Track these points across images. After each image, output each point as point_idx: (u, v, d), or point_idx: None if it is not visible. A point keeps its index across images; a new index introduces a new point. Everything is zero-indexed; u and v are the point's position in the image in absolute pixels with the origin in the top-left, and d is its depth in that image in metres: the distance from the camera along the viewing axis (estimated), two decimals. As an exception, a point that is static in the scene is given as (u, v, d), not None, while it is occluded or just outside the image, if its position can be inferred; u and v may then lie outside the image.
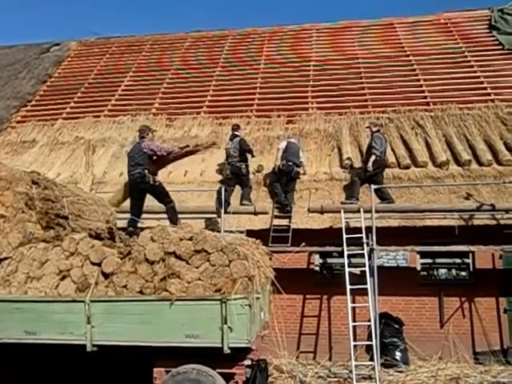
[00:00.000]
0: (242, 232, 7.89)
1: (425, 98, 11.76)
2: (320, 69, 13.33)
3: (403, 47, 13.68)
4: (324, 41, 14.67)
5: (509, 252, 8.44)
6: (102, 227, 6.64)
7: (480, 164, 9.68)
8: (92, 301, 5.43)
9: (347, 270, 7.96)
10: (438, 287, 9.15)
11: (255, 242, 6.50)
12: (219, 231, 7.97)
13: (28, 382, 6.46)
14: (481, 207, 8.62)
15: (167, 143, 11.36)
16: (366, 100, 12.01)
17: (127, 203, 8.49)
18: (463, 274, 9.27)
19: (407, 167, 9.87)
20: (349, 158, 10.14)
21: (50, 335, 5.52)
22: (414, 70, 12.72)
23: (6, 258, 5.89)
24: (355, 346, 7.70)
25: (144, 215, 7.99)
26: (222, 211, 8.79)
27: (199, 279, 5.33)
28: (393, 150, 10.28)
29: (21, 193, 6.18)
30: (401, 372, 7.85)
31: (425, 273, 9.36)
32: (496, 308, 8.89)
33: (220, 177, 10.18)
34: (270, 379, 7.14)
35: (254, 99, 12.62)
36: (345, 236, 8.20)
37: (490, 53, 12.84)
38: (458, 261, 9.24)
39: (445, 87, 11.89)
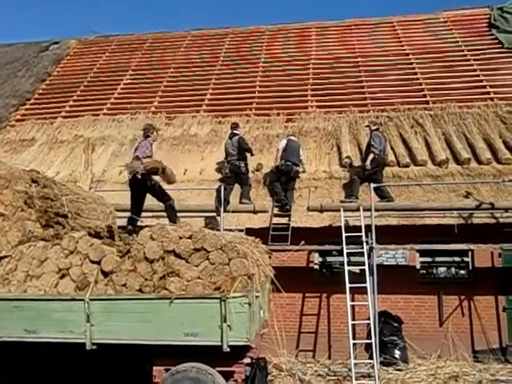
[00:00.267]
0: (241, 230, 7.91)
1: (424, 96, 11.76)
2: (319, 67, 13.32)
3: (402, 46, 13.68)
4: (323, 39, 14.65)
5: (508, 250, 8.46)
6: (102, 226, 6.63)
7: (479, 163, 9.68)
8: (91, 299, 5.43)
9: (346, 268, 7.97)
10: (437, 286, 9.16)
11: (255, 240, 6.50)
12: (219, 230, 7.97)
13: (28, 381, 6.46)
14: (480, 206, 8.63)
15: (166, 142, 11.38)
16: (365, 98, 12.01)
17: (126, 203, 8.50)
18: (462, 272, 9.29)
19: (407, 166, 9.88)
20: (348, 157, 10.14)
21: (49, 334, 5.53)
22: (414, 68, 12.72)
23: (5, 257, 5.89)
24: (354, 344, 7.71)
25: (143, 214, 7.99)
26: (222, 210, 8.79)
27: (199, 277, 5.33)
28: (392, 148, 10.28)
29: (20, 191, 6.18)
30: (400, 370, 7.87)
31: (424, 271, 9.36)
32: (495, 306, 8.91)
33: (219, 175, 10.18)
34: (269, 377, 7.15)
35: (253, 98, 12.61)
36: (344, 234, 8.20)
37: (489, 51, 12.84)
38: (458, 259, 9.25)
39: (444, 86, 11.90)
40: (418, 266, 9.32)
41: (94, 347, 5.44)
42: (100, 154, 11.37)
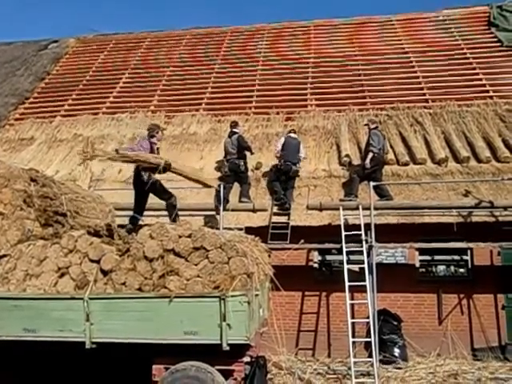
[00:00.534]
0: (240, 229, 7.90)
1: (423, 95, 11.76)
2: (319, 66, 13.31)
3: (402, 44, 13.67)
4: (323, 38, 14.65)
5: (507, 249, 8.45)
6: (101, 224, 6.63)
7: (479, 161, 9.69)
8: (91, 298, 5.42)
9: (346, 266, 7.97)
10: (436, 284, 9.16)
11: (254, 239, 6.50)
12: (218, 228, 7.97)
13: (28, 381, 6.46)
14: (479, 204, 8.63)
15: (166, 141, 11.36)
16: (364, 97, 12.01)
17: (125, 202, 8.49)
18: (462, 270, 9.29)
19: (406, 164, 9.88)
20: (347, 155, 10.14)
21: (48, 333, 5.52)
22: (413, 67, 12.72)
23: (4, 256, 5.88)
24: (354, 342, 7.71)
25: (146, 213, 7.98)
26: (221, 208, 8.79)
27: (198, 276, 5.33)
28: (392, 147, 10.28)
29: (19, 190, 6.18)
30: (399, 368, 7.88)
31: (423, 270, 9.37)
32: (494, 305, 8.91)
33: (219, 174, 10.17)
34: (268, 376, 7.15)
35: (252, 96, 12.61)
36: (343, 233, 8.21)
37: (488, 50, 12.84)
38: (457, 258, 9.26)
39: (443, 84, 11.89)
40: (418, 265, 9.32)
41: (94, 346, 5.44)
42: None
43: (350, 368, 7.41)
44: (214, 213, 9.15)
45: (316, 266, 9.60)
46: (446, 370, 7.62)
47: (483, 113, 10.76)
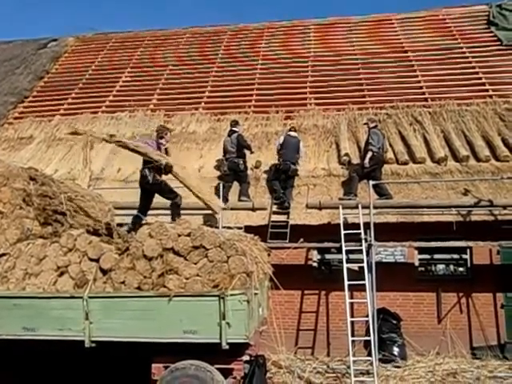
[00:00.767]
0: (240, 228, 7.89)
1: (423, 94, 11.75)
2: (318, 65, 13.30)
3: (401, 43, 13.66)
4: (322, 37, 14.63)
5: (506, 248, 8.47)
6: (100, 223, 6.63)
7: (478, 160, 9.69)
8: (90, 297, 5.43)
9: (345, 265, 7.97)
10: (435, 283, 9.17)
11: (253, 237, 6.51)
12: (217, 227, 7.97)
13: (28, 381, 6.46)
14: (479, 203, 8.63)
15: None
16: (364, 96, 12.00)
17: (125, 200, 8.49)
18: (461, 269, 9.30)
19: (405, 163, 9.88)
20: (347, 154, 10.14)
21: (48, 331, 5.54)
22: (412, 66, 12.71)
23: (3, 255, 5.89)
24: (353, 341, 7.71)
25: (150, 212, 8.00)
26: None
27: (197, 275, 5.33)
28: (391, 145, 10.28)
29: (18, 189, 6.18)
30: (398, 367, 7.88)
31: (423, 268, 9.37)
32: (493, 303, 8.92)
33: (218, 173, 10.17)
34: (268, 375, 7.16)
35: (252, 95, 12.60)
36: (343, 232, 8.21)
37: (488, 49, 12.83)
38: (456, 256, 9.26)
39: (443, 83, 11.88)
40: (417, 264, 9.33)
41: (93, 345, 5.45)
42: (98, 152, 11.33)
43: (349, 367, 7.41)
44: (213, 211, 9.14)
45: (315, 264, 9.61)
46: (445, 369, 7.63)
47: (482, 112, 10.76)
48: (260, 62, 13.80)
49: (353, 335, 7.90)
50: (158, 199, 7.96)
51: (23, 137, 12.27)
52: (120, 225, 7.35)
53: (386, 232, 8.39)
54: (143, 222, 7.56)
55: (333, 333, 9.19)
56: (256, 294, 5.62)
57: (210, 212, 9.17)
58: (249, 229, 8.02)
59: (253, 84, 12.98)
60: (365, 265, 7.93)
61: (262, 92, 12.68)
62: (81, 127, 12.25)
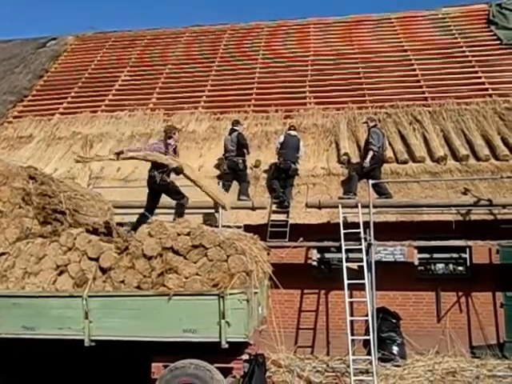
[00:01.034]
0: (239, 227, 7.89)
1: (423, 93, 11.75)
2: (318, 64, 13.29)
3: (401, 42, 13.66)
4: (322, 36, 14.62)
5: (506, 247, 8.46)
6: (100, 222, 6.63)
7: (477, 159, 9.68)
8: (90, 296, 5.43)
9: (345, 264, 7.97)
10: (435, 282, 9.17)
11: (253, 237, 6.50)
12: (217, 226, 7.96)
13: (28, 381, 6.46)
14: (478, 202, 8.63)
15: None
16: (363, 95, 11.99)
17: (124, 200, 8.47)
18: (460, 268, 9.30)
19: (405, 162, 9.88)
20: (346, 154, 10.14)
21: (47, 330, 5.53)
22: (412, 65, 12.70)
23: (3, 254, 5.89)
24: (353, 340, 7.71)
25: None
26: (220, 207, 8.78)
27: (197, 274, 5.33)
28: (391, 145, 10.27)
29: (18, 188, 6.17)
30: (398, 366, 7.89)
31: (422, 267, 9.37)
32: (493, 302, 8.93)
33: (218, 172, 10.16)
34: (267, 374, 7.16)
35: (251, 94, 12.59)
36: (342, 231, 8.21)
37: (487, 48, 12.82)
38: (456, 256, 9.26)
39: (443, 82, 11.88)
40: (416, 263, 9.32)
41: (93, 344, 5.45)
42: (98, 151, 11.34)
43: (348, 366, 7.42)
44: (212, 211, 9.14)
45: (315, 263, 9.61)
46: (444, 368, 7.63)
47: (482, 111, 10.76)
48: (260, 61, 13.79)
49: (352, 334, 7.91)
50: (163, 198, 7.93)
51: (23, 136, 12.26)
52: (120, 224, 7.35)
53: (386, 231, 8.39)
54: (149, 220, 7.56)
55: (332, 332, 9.19)
56: (255, 293, 5.62)
57: (210, 211, 9.18)
58: (248, 228, 8.02)
59: (252, 83, 12.97)
60: (364, 264, 7.93)
61: (262, 91, 12.68)
62: (80, 127, 12.28)
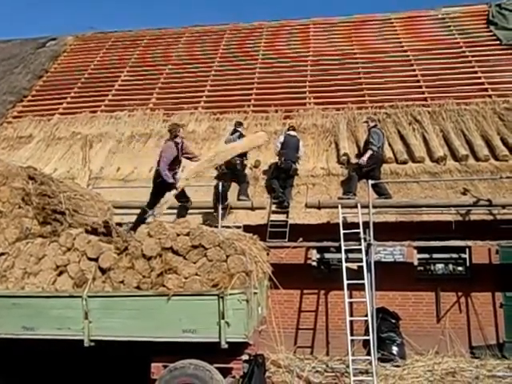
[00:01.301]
0: (239, 227, 7.90)
1: (422, 93, 11.75)
2: (317, 64, 13.29)
3: (401, 42, 13.66)
4: (322, 36, 14.62)
5: (505, 247, 8.47)
6: (99, 222, 6.63)
7: (477, 159, 9.69)
8: (89, 296, 5.44)
9: (344, 265, 7.97)
10: (434, 282, 9.17)
11: (252, 237, 6.50)
12: (216, 226, 7.96)
13: (27, 381, 6.46)
14: (478, 202, 8.63)
15: (164, 138, 11.34)
16: (363, 95, 11.99)
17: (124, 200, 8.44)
18: (460, 268, 9.30)
19: (404, 162, 9.88)
20: (346, 154, 10.14)
21: (47, 331, 5.54)
22: (412, 65, 12.70)
23: (2, 254, 5.89)
24: (352, 340, 7.71)
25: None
26: (220, 206, 8.78)
27: (196, 274, 5.34)
28: (390, 145, 10.28)
29: (17, 188, 6.17)
30: (397, 366, 7.89)
31: (422, 268, 9.37)
32: (492, 303, 8.93)
33: (216, 172, 10.14)
34: (267, 374, 7.16)
35: (251, 94, 12.59)
36: (342, 231, 8.21)
37: (487, 48, 12.82)
38: (455, 256, 9.26)
39: (442, 82, 11.88)
40: (416, 263, 9.33)
41: (92, 344, 5.45)
42: (98, 151, 11.35)
43: (348, 366, 7.41)
44: (212, 211, 9.15)
45: (314, 264, 9.60)
46: (444, 368, 7.63)
47: (482, 111, 10.76)
48: (259, 61, 13.79)
49: (352, 334, 7.91)
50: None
51: (22, 136, 12.26)
52: (119, 224, 7.35)
53: (385, 231, 8.39)
54: (151, 219, 7.56)
55: (332, 332, 9.19)
56: (255, 293, 5.62)
57: (209, 211, 9.17)
58: (248, 228, 8.02)
59: (252, 83, 12.97)
60: (364, 264, 7.93)
61: (262, 91, 12.67)
62: (79, 127, 12.27)
